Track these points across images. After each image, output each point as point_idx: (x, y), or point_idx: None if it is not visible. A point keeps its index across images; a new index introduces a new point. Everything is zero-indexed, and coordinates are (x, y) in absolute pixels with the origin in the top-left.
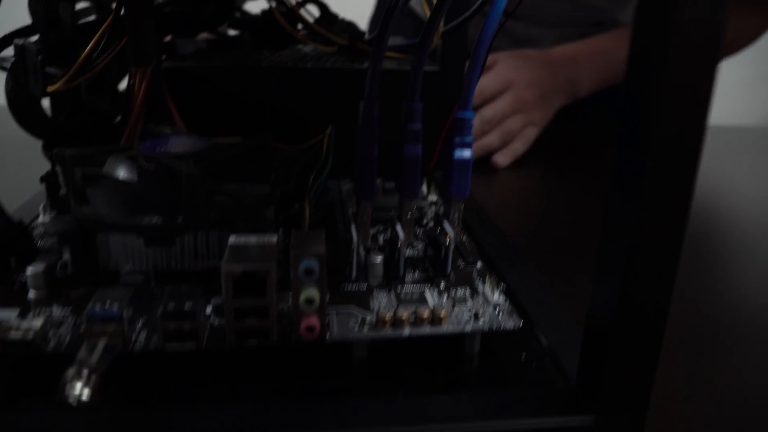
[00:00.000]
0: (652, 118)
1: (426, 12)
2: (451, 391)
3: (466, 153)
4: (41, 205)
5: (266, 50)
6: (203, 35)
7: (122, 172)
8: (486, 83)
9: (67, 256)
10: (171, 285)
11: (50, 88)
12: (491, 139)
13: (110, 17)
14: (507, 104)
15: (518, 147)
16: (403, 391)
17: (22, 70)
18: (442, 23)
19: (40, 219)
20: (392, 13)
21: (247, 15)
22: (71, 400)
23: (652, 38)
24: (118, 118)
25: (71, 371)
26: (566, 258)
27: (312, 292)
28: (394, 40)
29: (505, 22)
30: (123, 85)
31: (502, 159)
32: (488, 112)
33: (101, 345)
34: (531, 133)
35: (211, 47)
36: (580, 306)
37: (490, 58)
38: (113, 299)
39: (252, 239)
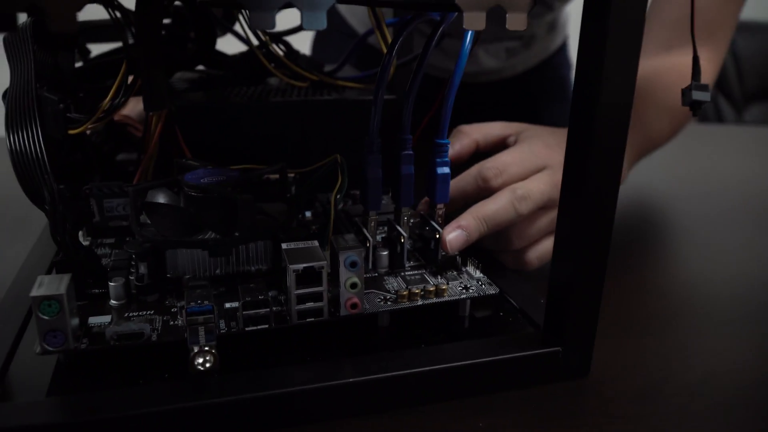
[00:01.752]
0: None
1: (382, 46)
2: (454, 340)
3: (446, 169)
4: (79, 233)
5: (243, 86)
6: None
7: (169, 200)
8: (511, 158)
9: (143, 270)
10: (240, 284)
11: (72, 131)
12: (516, 244)
13: (123, 67)
14: (541, 188)
15: (533, 256)
16: (422, 343)
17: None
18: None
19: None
20: (389, 63)
21: (221, 55)
22: (201, 369)
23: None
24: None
25: (195, 349)
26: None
27: (355, 279)
28: (347, 71)
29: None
30: None
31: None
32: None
33: (203, 331)
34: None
35: (197, 86)
36: (532, 276)
37: (507, 128)
38: (201, 297)
39: (300, 244)
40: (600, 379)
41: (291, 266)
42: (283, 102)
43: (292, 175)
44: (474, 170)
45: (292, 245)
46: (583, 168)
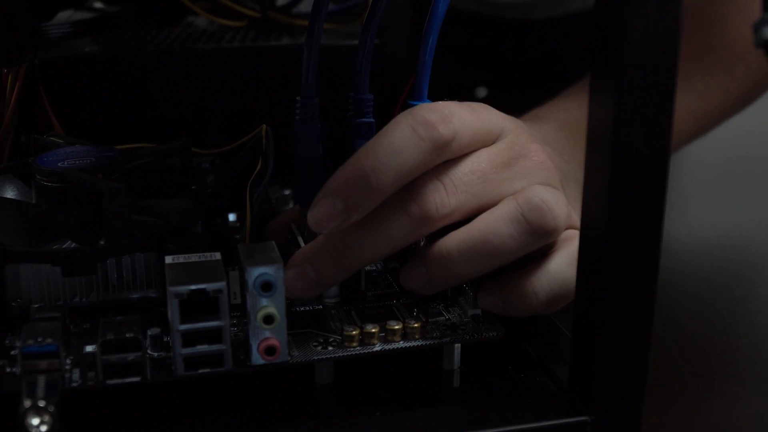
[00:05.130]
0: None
1: None
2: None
3: None
4: None
5: (153, 28)
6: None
7: (17, 193)
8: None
9: None
10: (103, 317)
11: None
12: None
13: None
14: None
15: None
16: (380, 410)
17: None
18: None
19: None
20: None
21: None
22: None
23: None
24: None
25: (27, 405)
26: None
27: (271, 309)
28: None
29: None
30: None
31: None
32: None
33: (42, 381)
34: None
35: (83, 29)
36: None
37: None
38: (44, 334)
39: (193, 258)
40: None
41: (172, 288)
42: (202, 51)
43: (209, 158)
44: (404, 120)
45: (182, 258)
46: (612, 146)
